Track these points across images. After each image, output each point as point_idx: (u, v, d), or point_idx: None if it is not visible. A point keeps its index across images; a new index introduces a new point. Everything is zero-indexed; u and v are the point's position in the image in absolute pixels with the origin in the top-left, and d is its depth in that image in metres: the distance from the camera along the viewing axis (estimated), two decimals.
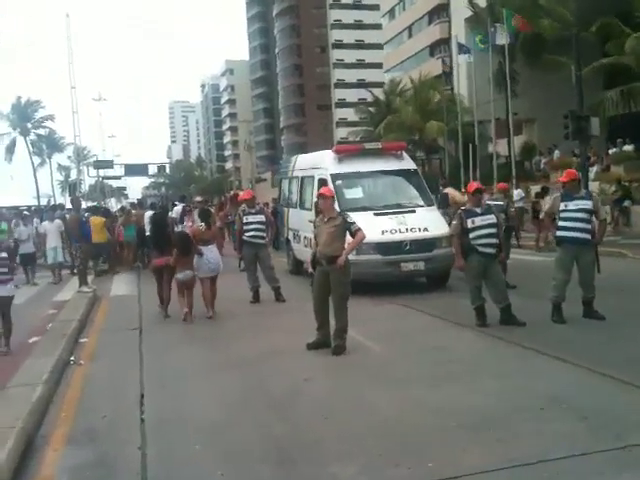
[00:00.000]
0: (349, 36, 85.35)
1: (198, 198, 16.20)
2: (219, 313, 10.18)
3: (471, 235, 8.16)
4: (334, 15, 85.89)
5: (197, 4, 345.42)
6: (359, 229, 7.43)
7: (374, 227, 10.58)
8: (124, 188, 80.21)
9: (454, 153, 34.73)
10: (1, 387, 6.06)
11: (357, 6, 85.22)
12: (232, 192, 29.83)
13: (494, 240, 8.16)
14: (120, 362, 7.56)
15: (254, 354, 7.44)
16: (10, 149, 62.17)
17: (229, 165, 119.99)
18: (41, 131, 66.12)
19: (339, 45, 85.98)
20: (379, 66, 71.48)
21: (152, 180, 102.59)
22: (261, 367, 6.89)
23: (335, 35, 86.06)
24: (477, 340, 7.68)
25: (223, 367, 7.03)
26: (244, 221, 11.26)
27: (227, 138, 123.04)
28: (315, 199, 12.55)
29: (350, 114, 72.18)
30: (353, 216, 10.24)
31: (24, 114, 63.07)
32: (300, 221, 13.82)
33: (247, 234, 11.21)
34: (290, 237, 14.51)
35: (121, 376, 6.92)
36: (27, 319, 10.76)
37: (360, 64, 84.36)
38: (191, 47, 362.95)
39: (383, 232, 10.94)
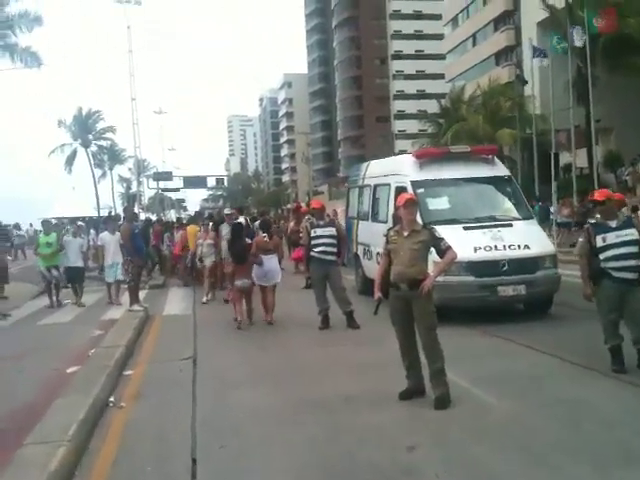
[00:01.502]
0: (409, 47, 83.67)
1: (227, 211, 15.00)
2: (284, 341, 8.83)
3: (602, 256, 6.48)
4: (394, 26, 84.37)
5: (256, 18, 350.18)
6: (449, 247, 5.91)
7: (464, 243, 8.95)
8: (183, 200, 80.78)
9: (521, 163, 32.62)
10: (17, 444, 4.72)
11: (418, 16, 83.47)
12: (294, 204, 28.57)
13: (634, 262, 6.44)
14: (169, 406, 6.16)
15: (331, 400, 5.95)
16: (70, 160, 62.76)
17: (286, 178, 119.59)
18: (102, 142, 66.70)
19: (399, 56, 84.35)
20: (439, 77, 69.67)
21: (210, 193, 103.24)
22: (344, 422, 5.37)
23: (395, 46, 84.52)
24: (622, 393, 5.96)
25: (294, 419, 5.54)
26: (312, 234, 9.83)
27: (284, 151, 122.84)
28: (392, 209, 11.10)
29: (409, 126, 70.65)
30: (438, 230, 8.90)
31: (85, 125, 63.69)
32: (372, 235, 12.30)
33: (316, 249, 9.77)
34: (359, 253, 13.00)
35: (169, 427, 5.51)
36: (70, 341, 9.68)
37: (420, 75, 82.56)
38: (250, 61, 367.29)
39: (476, 249, 9.31)
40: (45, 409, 5.61)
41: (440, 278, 6.80)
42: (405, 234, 5.86)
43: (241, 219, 15.70)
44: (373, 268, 12.38)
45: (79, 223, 21.61)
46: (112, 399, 6.33)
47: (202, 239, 13.52)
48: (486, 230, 9.64)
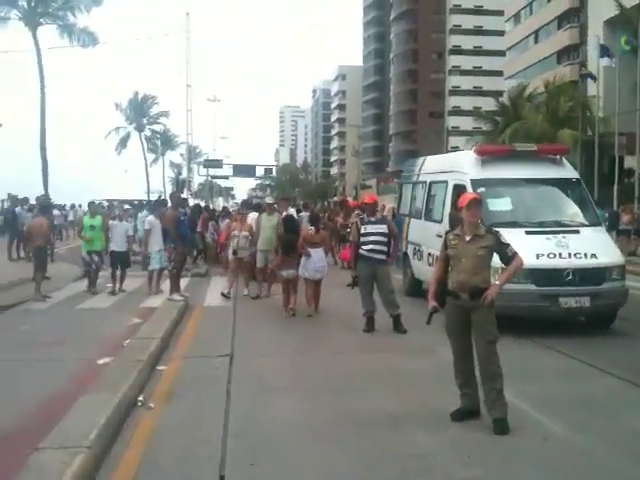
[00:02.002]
0: (468, 42, 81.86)
1: (269, 199, 14.21)
2: (326, 344, 8.35)
3: None
4: (454, 20, 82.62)
5: (313, 9, 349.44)
6: (516, 253, 5.32)
7: (526, 249, 8.14)
8: (231, 188, 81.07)
9: (579, 166, 31.27)
10: (32, 447, 4.32)
11: (478, 11, 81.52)
12: (340, 197, 27.96)
13: None
14: (200, 411, 5.70)
15: (376, 417, 5.40)
16: (123, 142, 63.53)
17: (334, 171, 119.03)
18: (156, 127, 67.42)
19: (457, 51, 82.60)
20: (497, 74, 67.94)
21: (258, 182, 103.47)
22: (390, 445, 4.82)
23: (453, 41, 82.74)
24: None
25: (334, 437, 4.99)
26: (362, 231, 9.26)
27: (334, 143, 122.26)
28: (449, 209, 10.44)
29: (463, 122, 69.06)
30: None
31: (140, 109, 64.46)
32: (424, 234, 11.68)
33: (365, 247, 9.19)
34: (409, 252, 12.38)
35: (198, 437, 5.02)
36: (106, 328, 9.39)
37: (477, 71, 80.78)
38: (305, 53, 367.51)
39: (538, 256, 8.59)
40: (68, 406, 5.22)
41: None
42: (467, 238, 5.26)
43: (291, 211, 15.26)
44: (423, 269, 11.77)
45: (126, 207, 21.54)
46: (141, 398, 5.90)
47: (238, 230, 12.39)
48: (550, 236, 8.91)
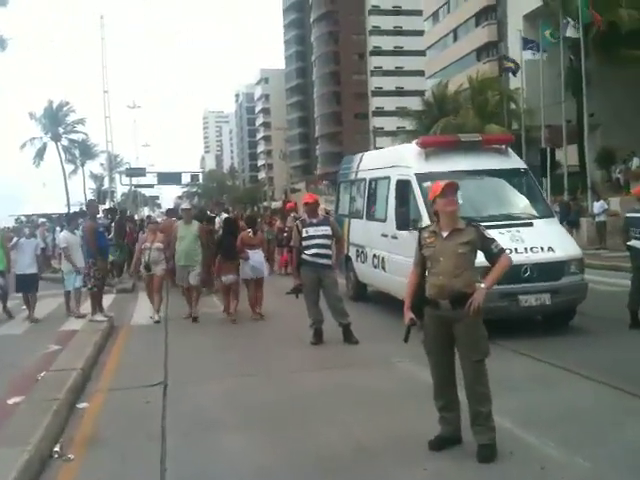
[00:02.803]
0: (388, 43, 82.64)
1: (185, 205, 13.39)
2: (272, 362, 7.50)
3: None
4: (373, 21, 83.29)
5: (233, 14, 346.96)
6: (503, 250, 4.59)
7: None
8: (157, 197, 78.70)
9: None
10: None
11: (397, 12, 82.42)
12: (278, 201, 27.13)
13: None
14: (130, 458, 4.75)
15: (341, 453, 4.60)
16: (40, 153, 60.54)
17: (262, 175, 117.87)
18: (74, 136, 64.52)
19: (377, 52, 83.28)
20: (418, 73, 68.84)
21: (185, 190, 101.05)
22: None
23: (374, 42, 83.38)
24: None
25: (297, 476, 4.18)
26: (304, 234, 8.46)
27: (261, 147, 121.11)
28: (393, 206, 9.78)
29: (387, 123, 69.39)
30: None
31: (55, 118, 61.49)
32: (367, 235, 11.02)
33: (307, 252, 8.40)
34: (352, 254, 11.69)
35: None
36: (19, 359, 8.17)
37: (399, 71, 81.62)
38: (226, 57, 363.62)
39: None
40: None
41: None
42: (444, 234, 4.50)
43: (224, 216, 14.24)
44: (368, 272, 11.10)
45: (41, 220, 19.97)
46: (57, 448, 4.90)
47: (149, 242, 10.75)
48: (503, 230, 8.30)
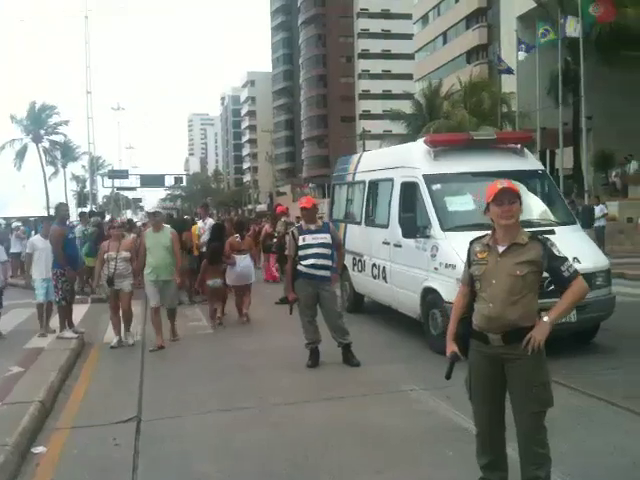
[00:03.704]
0: (376, 46, 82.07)
1: (154, 209, 12.12)
2: (263, 389, 6.48)
3: None
4: (361, 24, 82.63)
5: (220, 16, 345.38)
6: (577, 272, 3.50)
7: None
8: (140, 200, 77.48)
9: None
10: None
11: (385, 15, 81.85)
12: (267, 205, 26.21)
13: None
14: None
15: None
16: (21, 155, 59.07)
17: (247, 178, 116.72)
18: (55, 138, 63.08)
19: (365, 55, 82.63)
20: (406, 77, 68.30)
21: (168, 192, 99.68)
22: None
23: (362, 45, 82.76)
24: None
25: None
26: (300, 243, 7.48)
27: (246, 150, 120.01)
28: (397, 212, 8.82)
29: (374, 126, 68.50)
30: (459, 237, 6.75)
31: (38, 120, 60.07)
32: (366, 242, 10.07)
33: (304, 262, 7.41)
34: (347, 263, 10.71)
35: None
36: None
37: (387, 74, 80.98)
38: (213, 60, 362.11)
39: None
40: None
41: None
42: (500, 249, 3.52)
43: (210, 221, 13.26)
44: (365, 282, 10.16)
45: (15, 224, 18.82)
46: None
47: (114, 251, 8.82)
48: None
